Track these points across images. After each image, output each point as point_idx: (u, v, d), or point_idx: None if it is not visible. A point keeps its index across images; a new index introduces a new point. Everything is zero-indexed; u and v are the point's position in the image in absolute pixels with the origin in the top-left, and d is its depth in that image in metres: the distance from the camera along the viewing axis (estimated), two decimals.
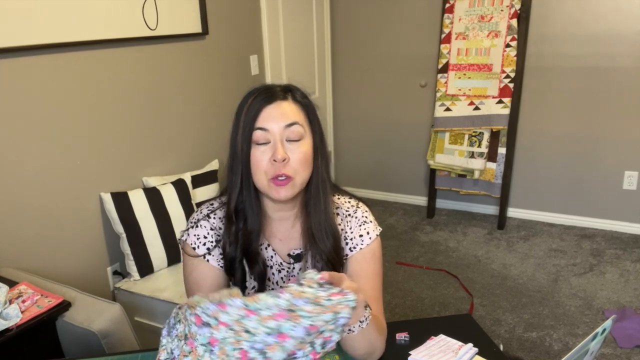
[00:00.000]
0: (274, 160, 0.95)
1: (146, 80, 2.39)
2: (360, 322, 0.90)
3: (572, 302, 2.60)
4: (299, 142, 0.97)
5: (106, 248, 2.25)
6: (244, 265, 1.06)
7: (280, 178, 0.96)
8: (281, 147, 0.95)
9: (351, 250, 1.08)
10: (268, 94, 0.98)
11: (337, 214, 1.10)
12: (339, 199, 1.12)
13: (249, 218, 1.03)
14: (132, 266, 2.17)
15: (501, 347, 1.78)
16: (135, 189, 2.24)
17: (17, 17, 1.78)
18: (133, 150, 2.35)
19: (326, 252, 1.04)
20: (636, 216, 3.28)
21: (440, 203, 3.83)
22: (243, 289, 1.08)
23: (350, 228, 1.08)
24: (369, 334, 0.94)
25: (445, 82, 3.37)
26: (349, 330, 0.90)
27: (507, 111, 3.22)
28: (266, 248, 1.09)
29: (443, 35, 3.34)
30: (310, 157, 1.00)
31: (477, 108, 3.29)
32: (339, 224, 1.09)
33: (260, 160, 0.97)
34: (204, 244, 1.06)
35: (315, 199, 1.03)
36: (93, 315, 1.55)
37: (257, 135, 0.96)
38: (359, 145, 4.06)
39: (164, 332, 0.80)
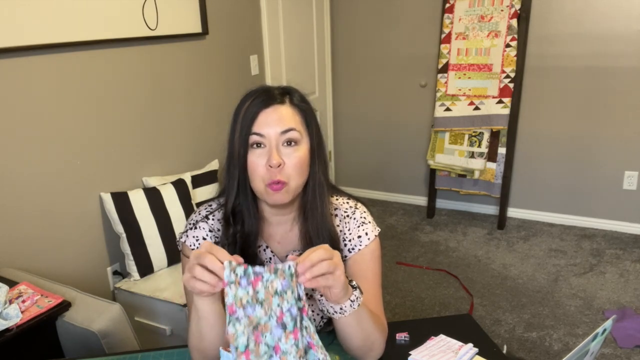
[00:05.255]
0: (269, 166, 0.95)
1: (146, 80, 2.39)
2: (352, 301, 0.89)
3: (572, 302, 2.60)
4: (295, 147, 0.97)
5: (106, 248, 2.25)
6: None
7: (275, 183, 0.96)
8: (276, 153, 0.95)
9: (350, 252, 1.07)
10: (265, 98, 0.98)
11: (336, 215, 1.09)
12: (337, 199, 1.12)
13: (246, 221, 1.03)
14: (132, 266, 2.17)
15: (505, 349, 1.78)
16: (135, 189, 2.24)
17: (17, 17, 1.78)
18: (133, 150, 2.35)
19: None
20: (636, 216, 3.28)
21: (440, 203, 3.83)
22: None
23: (349, 229, 1.08)
24: (363, 321, 0.94)
25: (445, 82, 3.37)
26: (341, 309, 0.90)
27: (507, 111, 3.22)
28: (265, 250, 1.09)
29: (443, 35, 3.34)
30: (307, 162, 1.00)
31: (477, 108, 3.29)
32: (337, 225, 1.08)
33: (257, 164, 0.96)
34: None
35: (312, 203, 1.03)
36: (93, 315, 1.55)
37: (254, 139, 0.96)
38: (359, 145, 4.06)
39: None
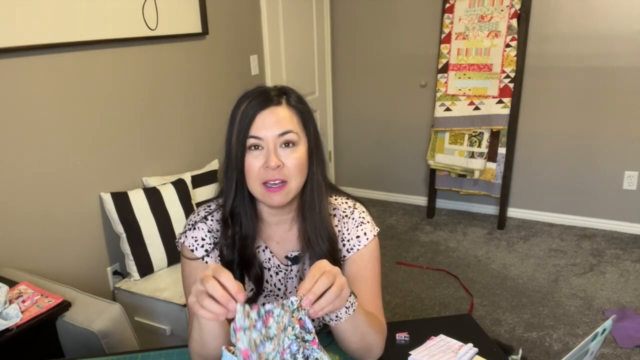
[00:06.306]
0: (267, 167, 0.95)
1: (146, 80, 2.39)
2: (347, 307, 0.89)
3: (572, 302, 2.60)
4: (293, 148, 0.97)
5: (106, 248, 2.25)
6: (242, 268, 1.06)
7: (274, 183, 0.96)
8: (274, 155, 0.95)
9: (348, 252, 1.07)
10: (262, 99, 0.97)
11: (334, 215, 1.09)
12: (335, 199, 1.12)
13: (243, 223, 1.03)
14: (132, 266, 2.17)
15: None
16: (135, 189, 2.24)
17: (17, 17, 1.78)
18: (133, 150, 2.35)
19: (322, 255, 1.03)
20: (636, 216, 3.28)
21: (440, 203, 3.83)
22: None
23: (347, 229, 1.08)
24: (359, 325, 0.94)
25: (445, 82, 3.37)
26: (336, 316, 0.90)
27: (507, 111, 3.22)
28: (263, 250, 1.09)
29: (443, 35, 3.34)
30: (305, 162, 0.99)
31: (477, 108, 3.29)
32: (336, 225, 1.08)
33: (253, 165, 0.96)
34: (202, 246, 1.06)
35: (311, 203, 1.03)
36: (93, 315, 1.55)
37: (251, 142, 0.96)
38: (359, 145, 4.06)
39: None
